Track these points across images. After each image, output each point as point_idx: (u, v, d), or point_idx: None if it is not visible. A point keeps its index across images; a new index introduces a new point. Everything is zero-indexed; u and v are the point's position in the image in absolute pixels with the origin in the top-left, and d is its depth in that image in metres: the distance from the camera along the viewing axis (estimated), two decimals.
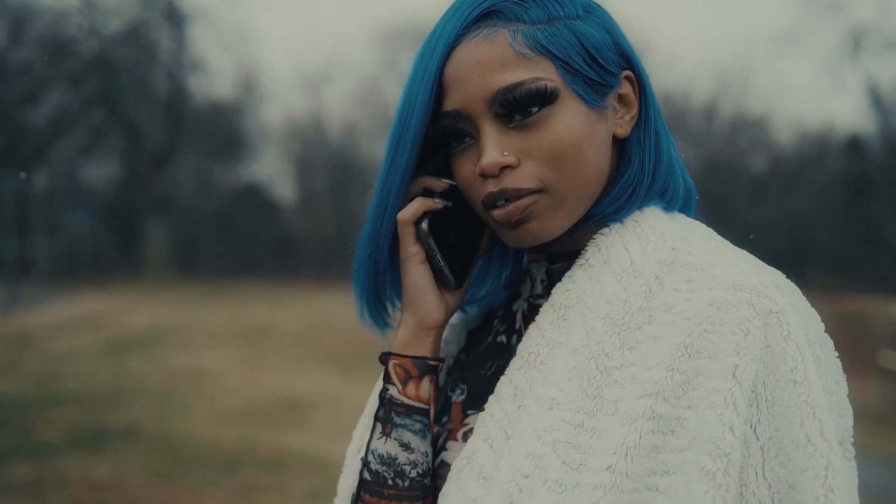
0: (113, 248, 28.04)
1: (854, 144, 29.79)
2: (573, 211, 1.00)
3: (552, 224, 0.99)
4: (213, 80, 33.94)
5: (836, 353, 0.95)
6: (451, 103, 0.99)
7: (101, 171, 30.10)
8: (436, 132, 1.02)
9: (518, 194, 0.96)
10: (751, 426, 0.86)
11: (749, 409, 0.85)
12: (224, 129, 32.09)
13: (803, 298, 0.98)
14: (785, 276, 0.99)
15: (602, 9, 1.05)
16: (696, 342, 0.88)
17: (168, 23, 29.05)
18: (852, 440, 0.92)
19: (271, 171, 36.83)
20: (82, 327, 14.81)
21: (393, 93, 39.72)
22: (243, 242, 31.26)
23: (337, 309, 19.59)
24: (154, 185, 28.94)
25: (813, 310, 0.97)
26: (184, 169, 31.53)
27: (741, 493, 0.85)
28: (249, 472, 6.74)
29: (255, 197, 33.85)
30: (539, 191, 0.97)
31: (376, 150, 38.11)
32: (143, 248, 28.54)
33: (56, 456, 6.78)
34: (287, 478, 6.61)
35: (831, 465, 0.84)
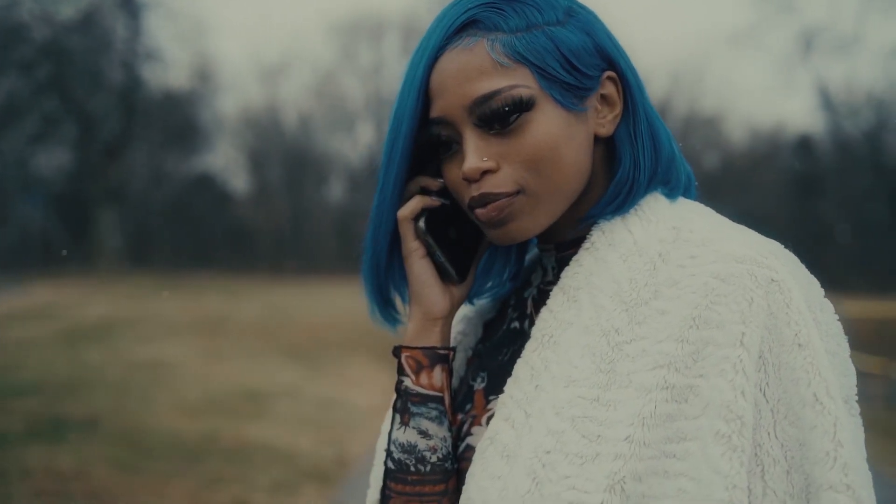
0: (64, 238, 27.62)
1: (804, 144, 30.29)
2: (551, 209, 1.04)
3: (530, 223, 1.04)
4: (168, 70, 33.54)
5: (837, 317, 1.00)
6: (435, 111, 1.04)
7: (52, 160, 29.63)
8: (425, 139, 1.07)
9: (497, 198, 1.01)
10: (760, 389, 0.90)
11: (757, 373, 0.90)
12: (178, 120, 31.78)
13: (802, 267, 1.02)
14: (783, 246, 1.04)
15: (585, 11, 1.08)
16: (703, 314, 0.93)
17: (123, 11, 28.68)
18: (856, 398, 0.97)
19: (226, 162, 36.61)
20: (35, 318, 14.60)
21: (349, 85, 39.61)
22: (197, 234, 31.03)
23: (293, 300, 19.54)
24: (107, 174, 28.56)
25: (812, 277, 1.02)
26: (137, 159, 31.17)
27: (755, 454, 0.89)
28: (213, 463, 6.72)
29: (209, 188, 33.59)
30: (516, 192, 1.02)
31: (332, 142, 38.01)
32: (95, 238, 28.16)
33: (16, 447, 6.69)
34: (251, 469, 6.61)
35: (839, 422, 0.89)
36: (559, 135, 1.01)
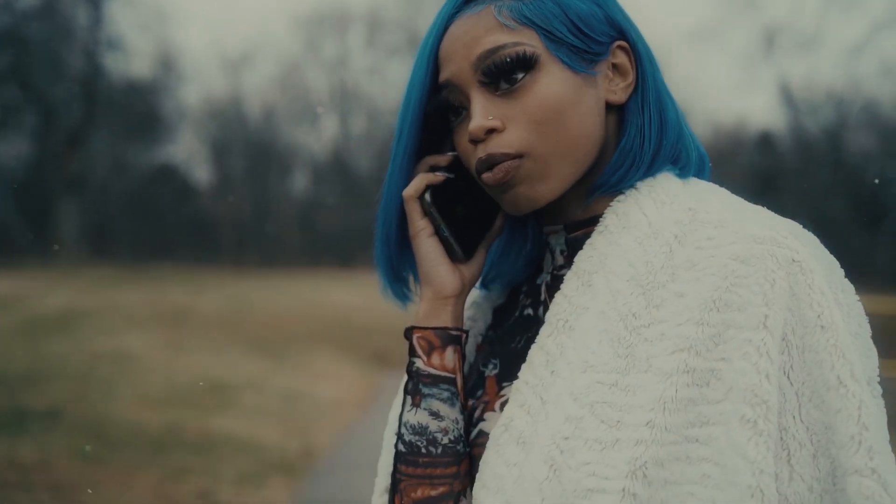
0: (24, 228, 27.25)
1: (766, 140, 30.64)
2: (560, 175, 1.03)
3: (541, 187, 1.03)
4: (130, 59, 33.16)
5: (857, 298, 0.99)
6: (443, 76, 1.05)
7: (12, 149, 29.22)
8: (434, 108, 1.08)
9: (504, 159, 1.01)
10: (784, 373, 0.89)
11: (781, 356, 0.89)
12: (140, 110, 31.44)
13: (822, 247, 1.00)
14: (802, 226, 1.02)
15: None
16: (723, 296, 0.91)
17: (84, 0, 28.32)
18: (878, 379, 0.95)
19: (188, 152, 36.27)
20: None
21: (314, 77, 39.46)
22: (159, 225, 30.74)
23: (256, 292, 19.42)
24: (67, 164, 28.21)
25: (832, 257, 1.00)
26: (98, 149, 30.80)
27: (781, 438, 0.88)
28: (178, 454, 6.70)
29: (171, 179, 33.27)
30: (521, 155, 1.01)
31: (296, 133, 37.82)
32: (55, 229, 27.81)
33: None
34: (216, 461, 6.60)
35: (863, 405, 0.88)
36: (565, 96, 1.01)
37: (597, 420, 0.92)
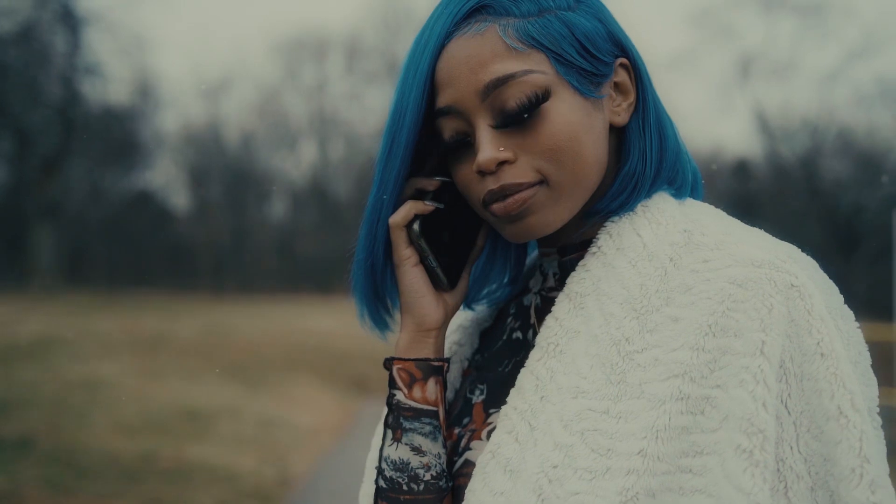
0: None
1: (742, 167, 30.90)
2: (572, 203, 1.00)
3: (551, 217, 0.99)
4: (108, 85, 33.04)
5: (857, 324, 0.96)
6: (443, 100, 0.99)
7: None
8: (430, 132, 1.02)
9: (519, 189, 0.97)
10: (782, 401, 0.86)
11: (779, 384, 0.85)
12: (118, 135, 31.29)
13: (821, 271, 0.97)
14: (800, 249, 0.99)
15: None
16: (719, 321, 0.88)
17: (62, 25, 28.22)
18: (878, 410, 0.92)
19: (166, 179, 36.16)
20: None
21: (292, 103, 39.52)
22: (135, 251, 30.54)
23: (233, 319, 19.31)
24: (43, 190, 28.00)
25: (831, 282, 0.97)
26: (75, 175, 30.62)
27: (778, 469, 0.85)
28: (152, 483, 6.62)
29: (148, 205, 33.13)
30: (539, 183, 0.97)
31: (274, 159, 37.78)
32: (30, 255, 27.57)
33: None
34: (191, 490, 6.52)
35: (865, 436, 0.85)
36: (579, 124, 0.97)
37: (587, 448, 0.89)
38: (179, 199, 36.83)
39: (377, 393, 12.55)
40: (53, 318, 17.34)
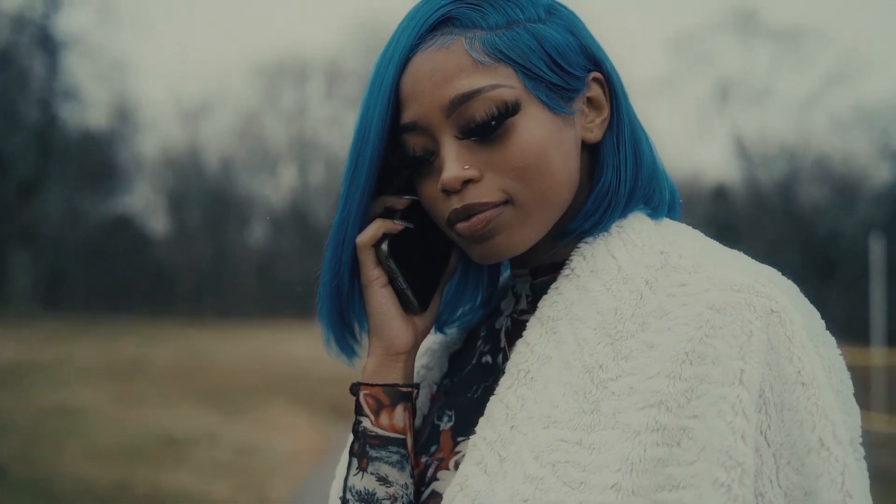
0: None
1: (720, 192, 31.16)
2: (541, 222, 0.96)
3: (519, 237, 0.95)
4: (86, 109, 33.08)
5: (839, 352, 0.92)
6: (407, 116, 0.95)
7: None
8: (395, 150, 0.98)
9: (483, 208, 0.93)
10: (761, 433, 0.82)
11: (758, 414, 0.82)
12: (96, 160, 31.24)
13: (802, 296, 0.94)
14: (780, 273, 0.96)
15: (566, 10, 1.00)
16: (697, 348, 0.84)
17: (40, 49, 28.21)
18: (860, 440, 0.88)
19: (145, 203, 36.07)
20: None
21: (272, 127, 39.54)
22: (113, 276, 30.39)
23: (212, 344, 19.20)
24: (20, 214, 27.84)
25: (812, 307, 0.93)
26: (52, 199, 30.45)
27: None
28: None
29: (126, 229, 33.02)
30: (504, 202, 0.93)
31: (254, 184, 37.74)
32: (6, 280, 27.35)
33: None
34: None
35: (847, 470, 0.81)
36: (547, 140, 0.93)
37: (559, 481, 0.84)
38: (158, 223, 36.78)
39: None
40: (29, 344, 17.18)
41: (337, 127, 38.99)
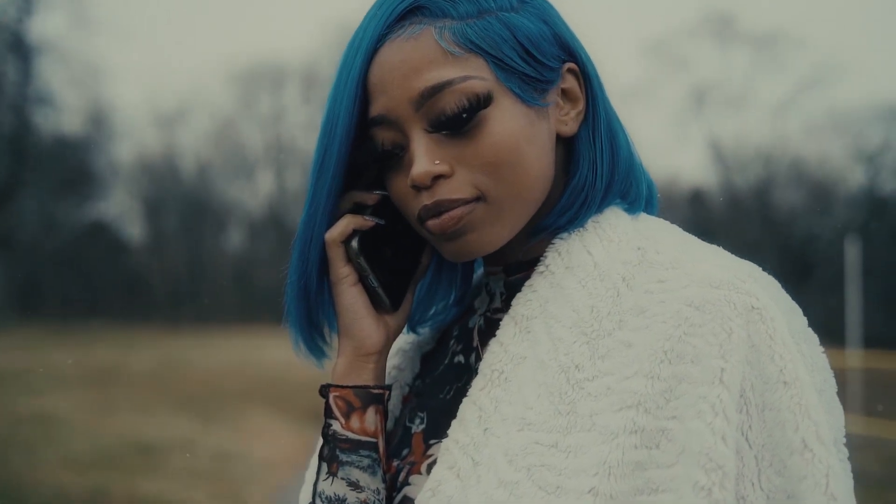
0: None
1: (697, 197, 31.31)
2: (514, 219, 0.93)
3: (492, 235, 0.93)
4: (61, 115, 32.76)
5: (822, 349, 0.91)
6: (375, 109, 0.92)
7: None
8: (363, 144, 0.95)
9: (454, 205, 0.90)
10: (742, 433, 0.80)
11: (739, 415, 0.79)
12: (71, 166, 31.00)
13: (783, 292, 0.92)
14: (761, 268, 0.93)
15: None
16: (675, 346, 0.82)
17: (13, 54, 27.95)
18: (844, 440, 0.87)
19: (120, 209, 35.81)
20: None
21: (249, 133, 39.39)
22: (89, 283, 30.16)
23: (189, 351, 19.10)
24: None
25: (794, 303, 0.92)
26: (27, 206, 30.19)
27: None
28: None
29: (102, 236, 32.77)
30: (476, 199, 0.91)
31: (230, 190, 37.60)
32: None
33: None
34: None
35: (831, 471, 0.79)
36: (520, 134, 0.91)
37: (534, 486, 0.82)
38: (134, 229, 36.52)
39: None
40: (4, 351, 17.03)
41: (314, 132, 38.65)
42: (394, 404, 1.12)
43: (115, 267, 31.65)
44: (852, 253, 15.22)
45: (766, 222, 28.56)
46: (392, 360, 1.16)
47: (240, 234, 37.79)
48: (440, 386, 1.05)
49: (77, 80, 35.42)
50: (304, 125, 38.63)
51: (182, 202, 35.35)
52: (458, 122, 0.89)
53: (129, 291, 31.64)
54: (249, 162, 38.12)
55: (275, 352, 19.11)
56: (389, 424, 1.10)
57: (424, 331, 1.16)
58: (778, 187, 31.28)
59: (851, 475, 0.86)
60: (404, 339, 1.18)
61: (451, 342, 1.09)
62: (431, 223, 0.92)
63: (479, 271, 1.13)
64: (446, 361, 1.08)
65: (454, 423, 0.92)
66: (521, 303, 0.95)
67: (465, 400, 0.93)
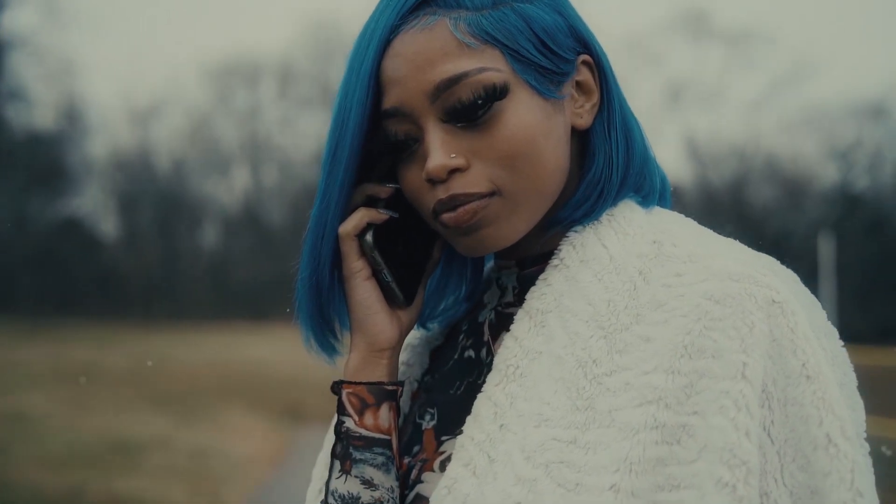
0: None
1: (672, 193, 31.46)
2: (530, 214, 0.92)
3: (508, 229, 0.91)
4: (34, 110, 32.51)
5: (842, 343, 0.90)
6: (389, 101, 0.91)
7: None
8: (376, 136, 0.93)
9: (469, 199, 0.89)
10: (765, 429, 0.78)
11: (761, 410, 0.78)
12: (44, 161, 30.74)
13: (802, 285, 0.91)
14: (779, 262, 0.92)
15: None
16: (695, 341, 0.81)
17: None
18: (865, 435, 0.85)
19: (94, 205, 35.54)
20: None
21: (224, 128, 39.18)
22: (63, 279, 29.90)
23: (165, 348, 18.98)
24: None
25: (813, 297, 0.91)
26: None
27: None
28: None
29: (76, 232, 32.51)
30: (491, 193, 0.89)
31: (205, 186, 37.41)
32: None
33: None
34: None
35: (856, 467, 0.78)
36: (537, 127, 0.89)
37: (553, 483, 0.80)
38: (108, 225, 36.28)
39: (312, 421, 12.41)
40: None
41: (290, 128, 38.77)
42: (403, 401, 1.10)
43: (89, 264, 31.42)
44: (826, 249, 15.38)
45: (741, 218, 28.73)
46: (401, 356, 1.13)
47: (215, 231, 37.62)
48: (450, 381, 1.04)
49: (50, 75, 35.09)
50: (279, 121, 38.55)
51: (157, 198, 35.13)
52: (474, 110, 0.88)
53: (103, 288, 31.41)
54: (224, 158, 37.96)
55: (251, 349, 19.08)
56: (399, 422, 1.05)
57: (434, 326, 1.15)
58: (752, 184, 31.53)
59: (873, 471, 0.84)
60: (412, 335, 1.16)
61: (461, 337, 1.08)
62: (447, 217, 0.91)
63: (489, 265, 1.12)
64: (456, 356, 1.06)
65: (469, 419, 0.91)
66: (535, 297, 0.94)
67: (479, 396, 0.92)
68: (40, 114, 33.06)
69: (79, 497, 7.05)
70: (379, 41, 0.91)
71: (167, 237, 34.60)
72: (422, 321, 1.13)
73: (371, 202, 1.00)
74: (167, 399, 12.34)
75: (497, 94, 0.88)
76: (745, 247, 0.94)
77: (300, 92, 38.34)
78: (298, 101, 38.20)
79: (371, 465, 0.96)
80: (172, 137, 38.47)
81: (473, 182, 0.89)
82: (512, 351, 0.92)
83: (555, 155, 0.92)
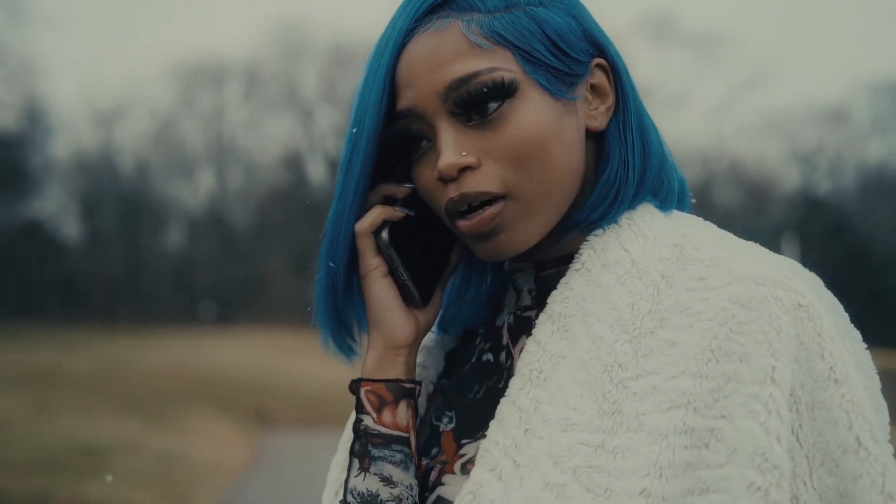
0: None
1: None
2: (546, 216, 0.92)
3: (524, 233, 0.92)
4: None
5: (865, 346, 0.90)
6: (403, 102, 0.92)
7: None
8: (391, 136, 0.95)
9: (481, 198, 0.89)
10: (793, 433, 0.79)
11: (790, 414, 0.78)
12: (5, 163, 30.38)
13: (826, 289, 0.91)
14: (801, 265, 0.92)
15: None
16: (722, 344, 0.80)
17: None
18: (889, 438, 0.83)
19: (56, 207, 35.20)
20: None
21: (189, 130, 38.92)
22: (24, 282, 29.60)
23: (129, 352, 18.81)
24: None
25: (836, 301, 0.91)
26: None
27: None
28: None
29: (37, 234, 32.16)
30: (503, 196, 0.90)
31: (170, 188, 37.15)
32: None
33: None
34: None
35: (887, 470, 0.78)
36: (547, 127, 0.90)
37: (582, 488, 0.80)
38: (70, 228, 35.96)
39: (280, 424, 12.35)
40: None
41: (255, 130, 38.66)
42: (419, 403, 1.09)
43: (52, 267, 31.06)
44: (789, 252, 15.56)
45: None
46: (417, 358, 1.10)
47: (179, 234, 37.41)
48: (468, 385, 1.04)
49: (11, 76, 34.67)
50: (244, 123, 38.41)
51: (120, 200, 34.87)
52: (483, 101, 0.89)
53: (65, 291, 31.14)
54: (189, 160, 37.76)
55: (217, 352, 18.95)
56: (416, 423, 1.07)
57: (453, 331, 1.14)
58: (716, 187, 31.88)
59: None
60: (428, 337, 1.15)
61: (478, 340, 1.08)
62: (463, 224, 0.91)
63: (505, 269, 1.12)
64: (473, 360, 1.06)
65: (492, 423, 0.90)
66: (557, 300, 0.94)
67: (503, 400, 0.91)
68: (1, 115, 32.64)
69: (45, 502, 6.96)
70: (394, 45, 0.92)
71: (131, 240, 34.34)
72: (442, 326, 1.13)
73: (388, 202, 1.00)
74: (132, 403, 12.22)
75: (506, 89, 0.88)
76: (767, 250, 0.93)
77: (266, 94, 38.29)
78: (264, 103, 38.15)
79: (390, 462, 0.96)
80: (136, 139, 38.26)
81: (484, 181, 0.90)
82: (535, 355, 0.91)
83: (566, 156, 0.92)
